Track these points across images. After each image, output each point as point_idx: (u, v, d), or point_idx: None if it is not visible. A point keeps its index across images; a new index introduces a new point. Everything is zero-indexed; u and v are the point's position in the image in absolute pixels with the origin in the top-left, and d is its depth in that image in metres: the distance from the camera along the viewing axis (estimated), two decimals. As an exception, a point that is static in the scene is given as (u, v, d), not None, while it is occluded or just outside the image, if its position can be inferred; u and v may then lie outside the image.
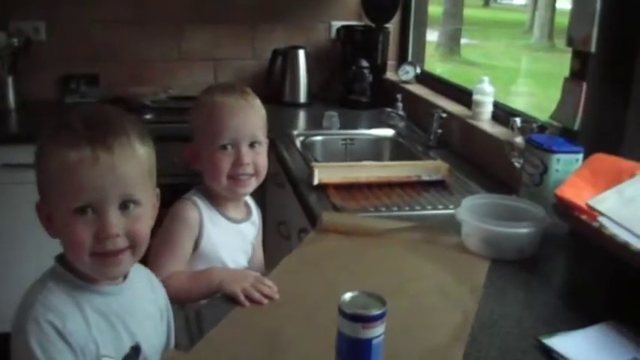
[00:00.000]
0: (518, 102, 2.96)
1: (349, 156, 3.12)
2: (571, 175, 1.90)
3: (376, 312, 1.08)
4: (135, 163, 1.25)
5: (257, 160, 1.80)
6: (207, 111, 1.80)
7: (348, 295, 1.12)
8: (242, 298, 1.57)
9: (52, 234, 1.27)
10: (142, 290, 1.41)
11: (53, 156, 1.22)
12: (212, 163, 1.77)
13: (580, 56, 2.20)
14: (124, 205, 1.25)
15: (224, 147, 1.76)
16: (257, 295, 1.57)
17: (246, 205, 1.94)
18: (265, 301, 1.56)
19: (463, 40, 10.62)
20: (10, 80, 3.58)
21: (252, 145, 1.80)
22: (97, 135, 1.22)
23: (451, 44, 9.60)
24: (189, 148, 1.82)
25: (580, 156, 2.00)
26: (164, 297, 1.48)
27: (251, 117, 1.81)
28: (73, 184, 1.20)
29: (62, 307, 1.23)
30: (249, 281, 1.61)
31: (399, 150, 3.10)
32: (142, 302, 1.39)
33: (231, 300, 1.57)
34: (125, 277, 1.35)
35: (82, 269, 1.27)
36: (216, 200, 1.82)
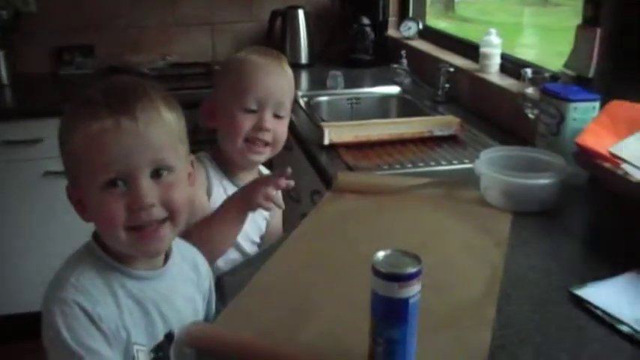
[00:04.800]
0: (519, 55, 2.92)
1: (355, 115, 3.08)
2: (590, 123, 1.87)
3: (412, 270, 1.04)
4: (162, 127, 1.19)
5: (278, 129, 1.73)
6: (238, 67, 1.73)
7: (381, 254, 1.08)
8: (270, 204, 1.59)
9: (86, 218, 1.22)
10: (183, 273, 1.35)
11: (75, 132, 1.16)
12: (232, 121, 1.69)
13: (592, 2, 2.15)
14: (156, 173, 1.18)
15: (249, 107, 1.69)
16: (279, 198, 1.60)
17: (261, 175, 1.86)
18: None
19: (457, -5, 10.46)
20: (1, 55, 3.50)
21: (276, 112, 1.72)
22: (118, 103, 1.16)
23: (446, 0, 9.49)
24: (207, 102, 1.74)
25: (597, 104, 1.97)
26: (209, 278, 1.43)
27: (283, 82, 1.74)
28: (98, 156, 1.15)
29: (93, 289, 1.17)
30: (265, 184, 1.58)
31: (406, 107, 3.06)
32: (182, 286, 1.33)
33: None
34: (166, 259, 1.30)
35: (120, 248, 1.21)
36: (226, 166, 1.76)
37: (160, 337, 1.26)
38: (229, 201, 1.64)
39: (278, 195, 1.64)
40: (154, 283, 1.26)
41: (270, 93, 1.70)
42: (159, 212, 1.19)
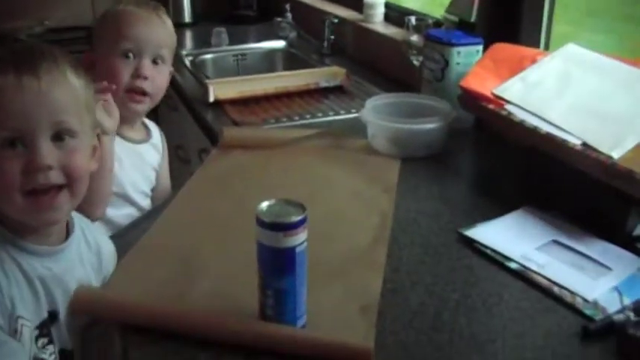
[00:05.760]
0: (405, 3, 2.92)
1: (242, 71, 3.02)
2: (474, 66, 1.87)
3: (297, 218, 1.02)
4: (66, 90, 1.15)
5: (156, 78, 1.72)
6: (114, 18, 1.72)
7: (264, 204, 1.05)
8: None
9: None
10: (83, 255, 1.29)
11: None
12: (111, 70, 1.67)
13: (471, -54, 2.15)
14: (58, 137, 1.14)
15: (126, 55, 1.68)
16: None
17: (146, 127, 1.86)
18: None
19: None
20: None
21: (155, 61, 1.72)
22: (22, 60, 1.13)
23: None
24: (86, 56, 1.72)
25: (480, 47, 1.98)
26: (113, 263, 1.36)
27: (160, 31, 1.74)
28: None
29: None
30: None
31: (292, 61, 3.03)
32: (79, 269, 1.27)
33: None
34: (67, 236, 1.25)
35: (16, 215, 1.15)
36: None
37: (45, 315, 1.20)
38: None
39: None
40: (48, 261, 1.21)
41: (148, 40, 1.70)
42: (57, 177, 1.15)
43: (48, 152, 1.13)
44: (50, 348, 1.21)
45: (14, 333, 1.14)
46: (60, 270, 1.22)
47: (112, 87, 1.57)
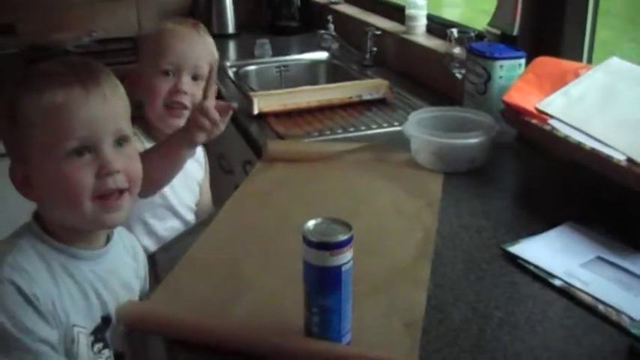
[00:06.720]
0: (446, 15, 2.93)
1: (285, 83, 3.05)
2: (516, 80, 1.87)
3: (343, 237, 1.03)
4: (121, 97, 1.23)
5: (196, 92, 1.71)
6: (155, 36, 1.77)
7: (311, 223, 1.07)
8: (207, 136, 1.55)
9: (33, 196, 1.21)
10: (122, 258, 1.34)
11: (36, 102, 1.15)
12: (150, 86, 1.72)
13: (514, -41, 2.15)
14: (118, 143, 1.20)
15: (166, 72, 1.72)
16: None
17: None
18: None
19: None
20: None
21: (195, 77, 1.74)
22: (83, 72, 1.18)
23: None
24: (131, 72, 1.76)
25: (522, 61, 1.98)
26: (145, 267, 1.42)
27: (199, 47, 1.77)
28: (64, 124, 1.15)
29: (30, 268, 1.15)
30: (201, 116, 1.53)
31: (335, 72, 3.05)
32: (121, 271, 1.32)
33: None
34: (108, 241, 1.29)
35: (80, 221, 1.20)
36: (152, 134, 1.76)
37: (98, 320, 1.24)
38: (171, 135, 1.63)
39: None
40: (94, 265, 1.25)
41: (186, 56, 1.73)
42: (122, 181, 1.20)
43: (115, 158, 1.19)
44: (106, 352, 1.25)
45: (72, 343, 1.18)
46: (104, 272, 1.27)
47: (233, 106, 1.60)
